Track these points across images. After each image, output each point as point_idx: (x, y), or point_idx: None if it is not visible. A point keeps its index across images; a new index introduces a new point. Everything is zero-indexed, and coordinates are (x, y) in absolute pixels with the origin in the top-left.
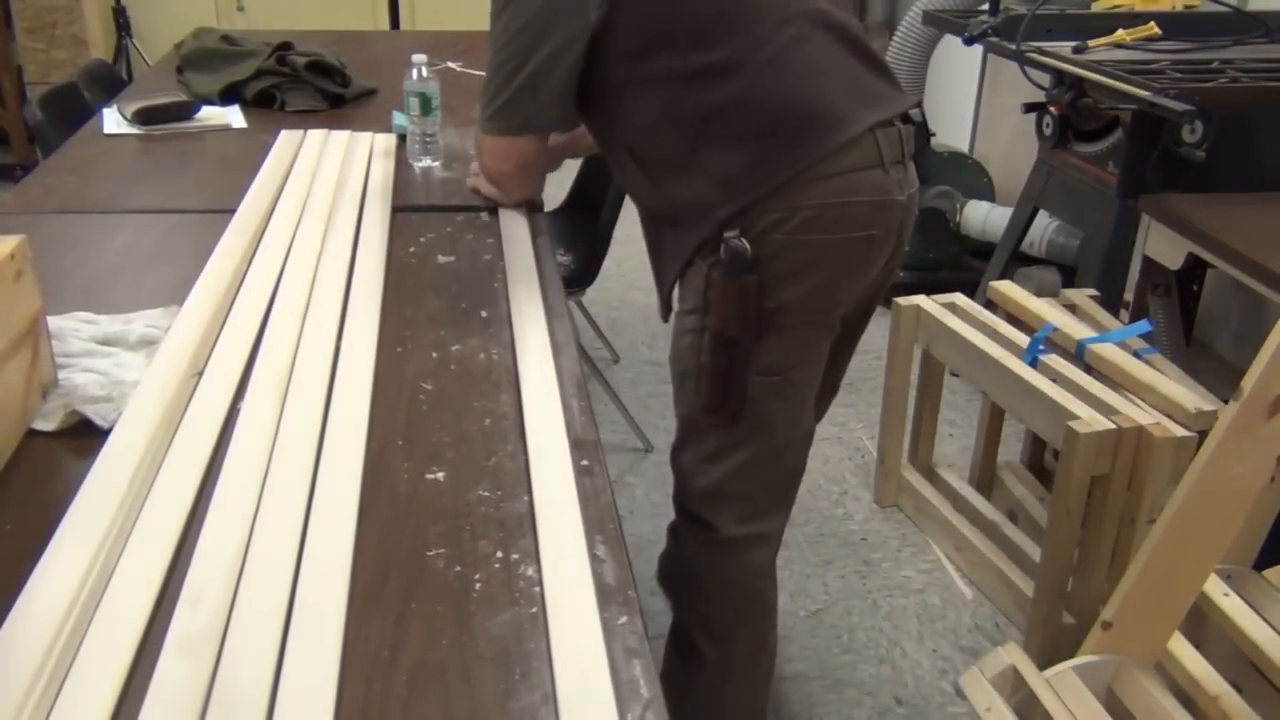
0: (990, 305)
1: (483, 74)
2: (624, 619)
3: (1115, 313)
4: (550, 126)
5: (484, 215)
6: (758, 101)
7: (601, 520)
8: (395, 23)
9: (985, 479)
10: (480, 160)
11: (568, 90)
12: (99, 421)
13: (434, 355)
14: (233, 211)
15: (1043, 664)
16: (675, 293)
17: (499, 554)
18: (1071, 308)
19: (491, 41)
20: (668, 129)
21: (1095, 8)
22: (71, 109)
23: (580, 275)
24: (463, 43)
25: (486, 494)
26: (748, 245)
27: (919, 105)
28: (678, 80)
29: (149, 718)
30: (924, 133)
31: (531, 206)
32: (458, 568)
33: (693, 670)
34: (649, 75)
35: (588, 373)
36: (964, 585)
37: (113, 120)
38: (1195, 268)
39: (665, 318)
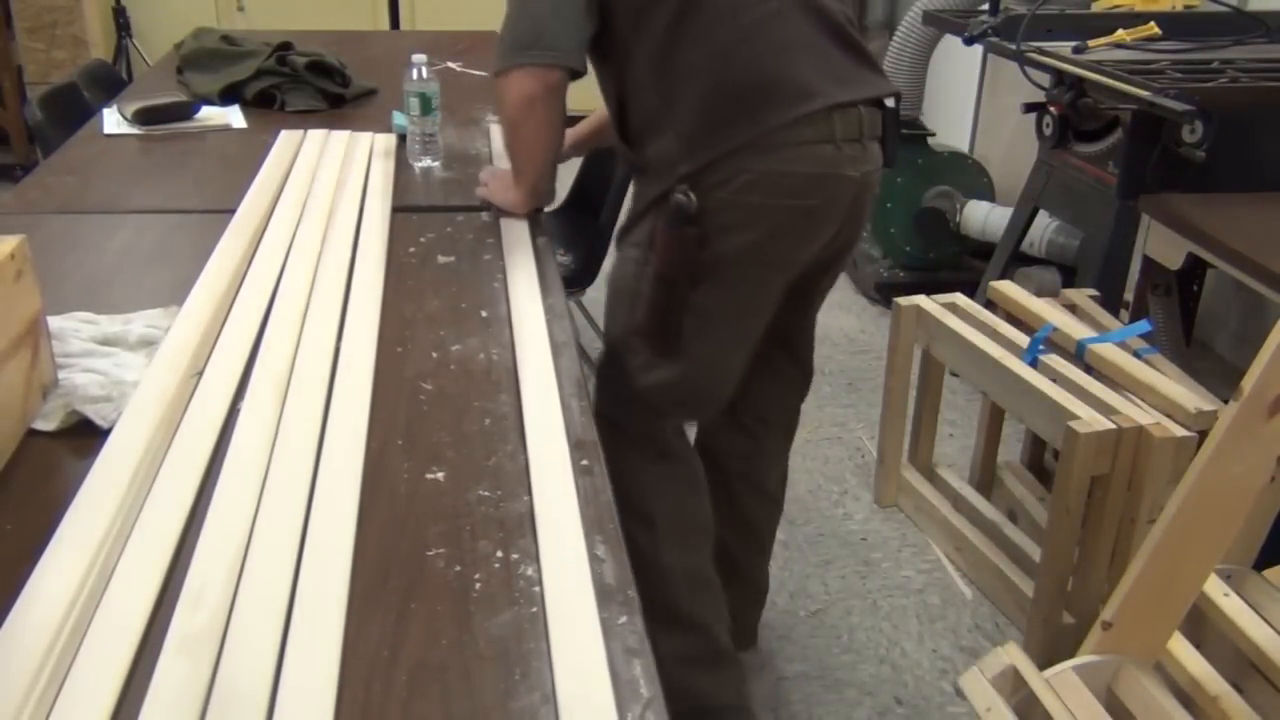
0: (990, 305)
1: (483, 74)
2: (624, 619)
3: (1115, 313)
4: (568, 54)
5: (484, 215)
6: (726, 68)
7: (601, 520)
8: (395, 23)
9: (985, 479)
10: (501, 100)
11: (585, 22)
12: (99, 421)
13: (434, 355)
14: (233, 211)
15: (1043, 664)
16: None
17: (499, 554)
18: (1071, 308)
19: None
20: (650, 86)
21: (1095, 8)
22: (71, 109)
23: (580, 275)
24: (463, 43)
25: (486, 494)
26: (693, 200)
27: (896, 94)
28: (664, 40)
29: (149, 718)
30: (894, 118)
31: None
32: (458, 568)
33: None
34: (643, 32)
35: (588, 373)
36: (964, 585)
37: (113, 120)
38: (1195, 268)
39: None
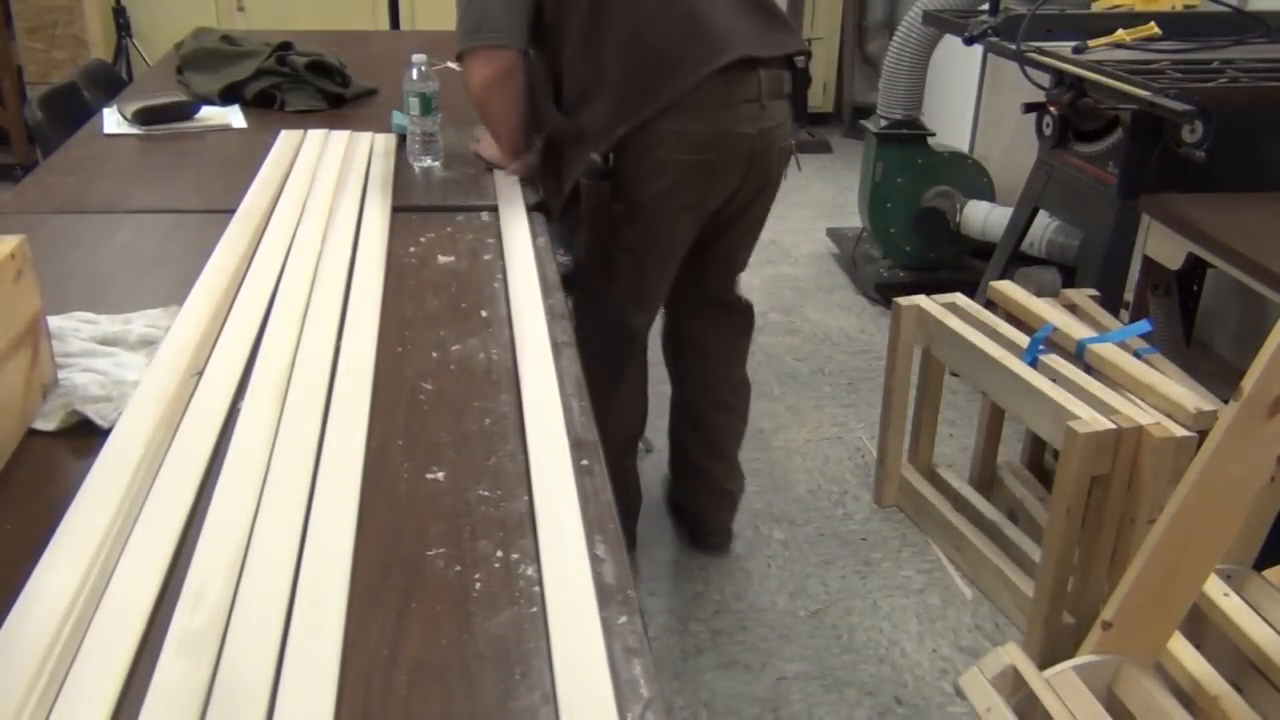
0: (990, 305)
1: None
2: (624, 619)
3: (1115, 313)
4: (512, 31)
5: (484, 215)
6: (645, 39)
7: (601, 520)
8: (395, 23)
9: (985, 479)
10: (467, 83)
11: (523, 6)
12: (99, 421)
13: (434, 355)
14: (233, 211)
15: (1043, 664)
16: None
17: (499, 554)
18: (1071, 308)
19: None
20: (580, 60)
21: (1095, 8)
22: (71, 109)
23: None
24: None
25: (486, 494)
26: (606, 160)
27: (806, 52)
28: (589, 17)
29: (149, 718)
30: (801, 76)
31: (537, 207)
32: (458, 567)
33: None
34: (571, 10)
35: None
36: (964, 585)
37: (113, 120)
38: (1195, 268)
39: (552, 219)
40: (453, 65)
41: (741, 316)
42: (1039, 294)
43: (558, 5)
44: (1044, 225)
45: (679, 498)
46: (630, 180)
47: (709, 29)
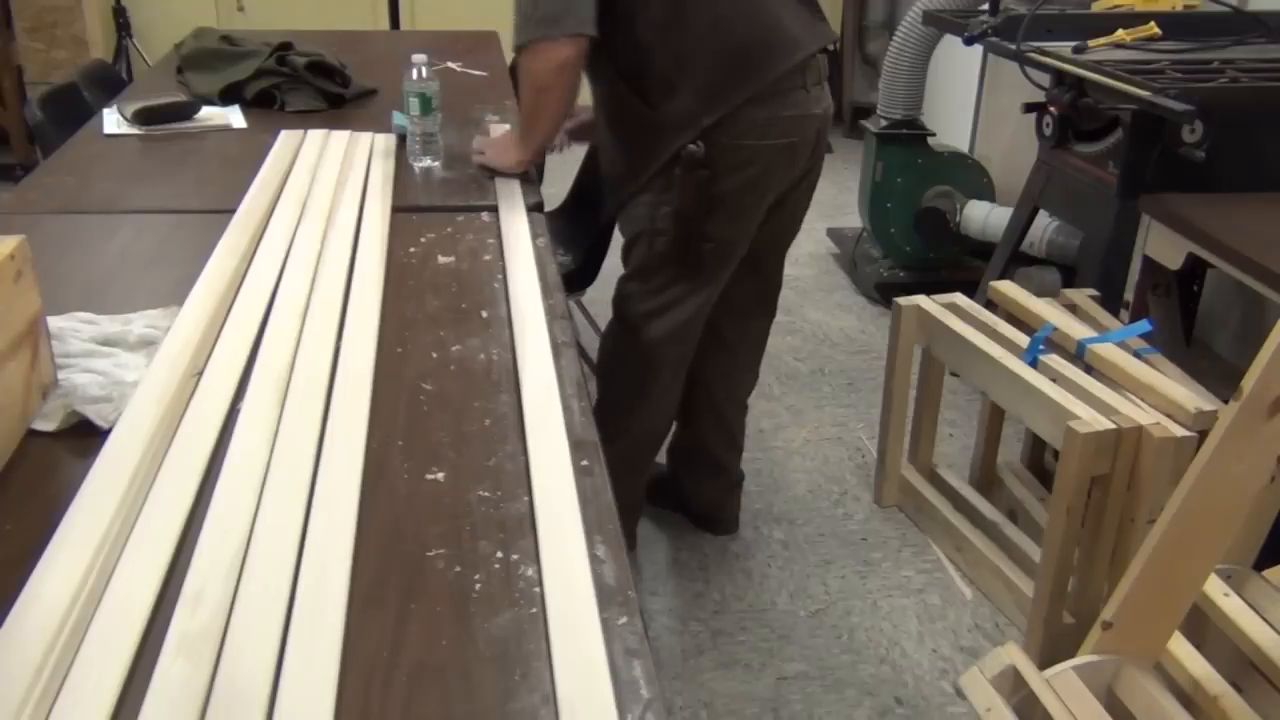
0: (990, 305)
1: (483, 74)
2: (624, 619)
3: (1115, 313)
4: (591, 24)
5: (484, 215)
6: (732, 30)
7: (601, 520)
8: (395, 23)
9: (985, 479)
10: (534, 69)
11: None
12: (99, 421)
13: (434, 355)
14: (233, 211)
15: (1043, 664)
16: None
17: (499, 554)
18: (1071, 308)
19: None
20: (657, 51)
21: (1095, 8)
22: (71, 109)
23: (580, 275)
24: (463, 43)
25: (486, 494)
26: (702, 148)
27: (837, 40)
28: (670, 7)
29: (149, 718)
30: (836, 60)
31: (532, 206)
32: (458, 568)
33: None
34: (648, 2)
35: (588, 373)
36: (964, 585)
37: (113, 120)
38: (1195, 268)
39: (615, 212)
40: (453, 65)
41: (770, 320)
42: (1039, 294)
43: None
44: (1044, 225)
45: (691, 490)
46: (720, 170)
47: (779, 17)
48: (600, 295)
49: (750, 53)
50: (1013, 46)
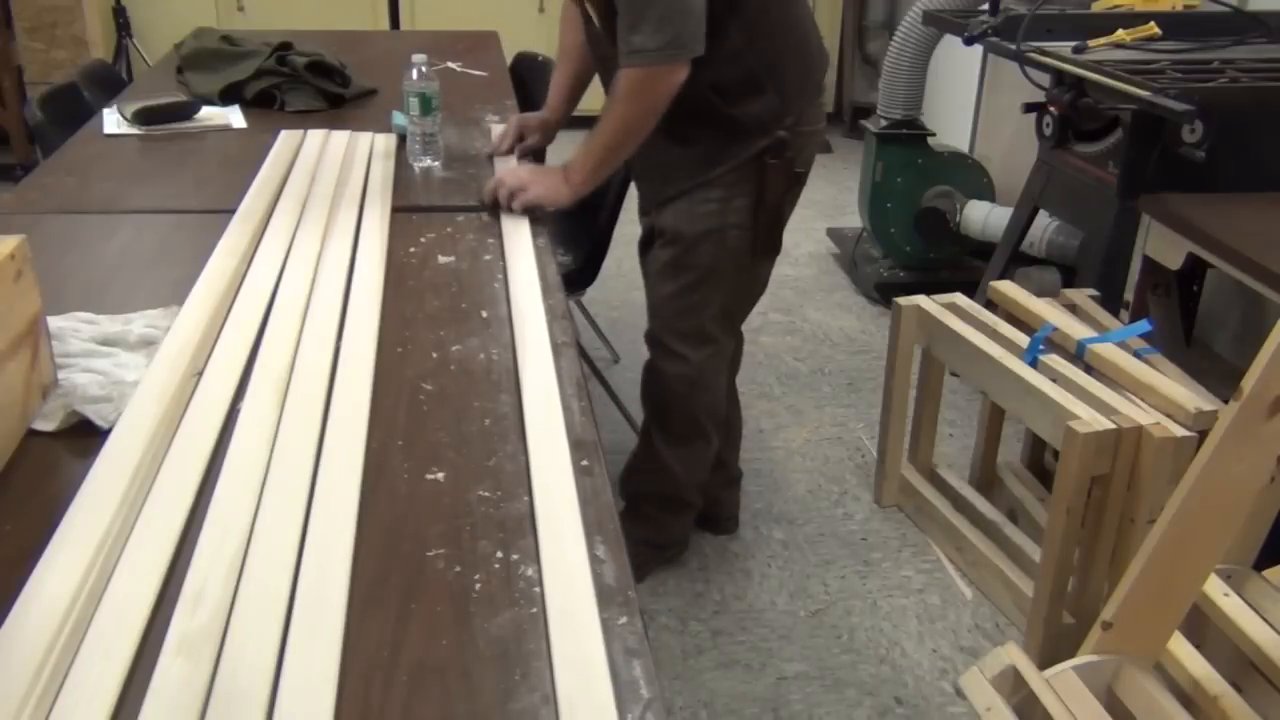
0: (990, 305)
1: (482, 73)
2: (624, 619)
3: (1115, 313)
4: (699, 47)
5: (484, 215)
6: (805, 40)
7: (601, 520)
8: (395, 23)
9: (985, 479)
10: (645, 94)
11: (704, 11)
12: (99, 421)
13: (434, 355)
14: (233, 211)
15: (1043, 664)
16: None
17: (499, 554)
18: (1071, 308)
19: None
20: (745, 56)
21: (1095, 8)
22: (71, 109)
23: (580, 275)
24: (463, 43)
25: (486, 494)
26: (789, 136)
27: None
28: (757, 17)
29: (149, 718)
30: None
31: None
32: (458, 568)
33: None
34: (738, 13)
35: (588, 373)
36: (964, 585)
37: (113, 120)
38: (1195, 268)
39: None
40: (453, 65)
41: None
42: (1039, 294)
43: (726, 5)
44: (1044, 225)
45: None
46: (797, 153)
47: (817, 31)
48: (600, 295)
49: (815, 59)
50: (1013, 46)
